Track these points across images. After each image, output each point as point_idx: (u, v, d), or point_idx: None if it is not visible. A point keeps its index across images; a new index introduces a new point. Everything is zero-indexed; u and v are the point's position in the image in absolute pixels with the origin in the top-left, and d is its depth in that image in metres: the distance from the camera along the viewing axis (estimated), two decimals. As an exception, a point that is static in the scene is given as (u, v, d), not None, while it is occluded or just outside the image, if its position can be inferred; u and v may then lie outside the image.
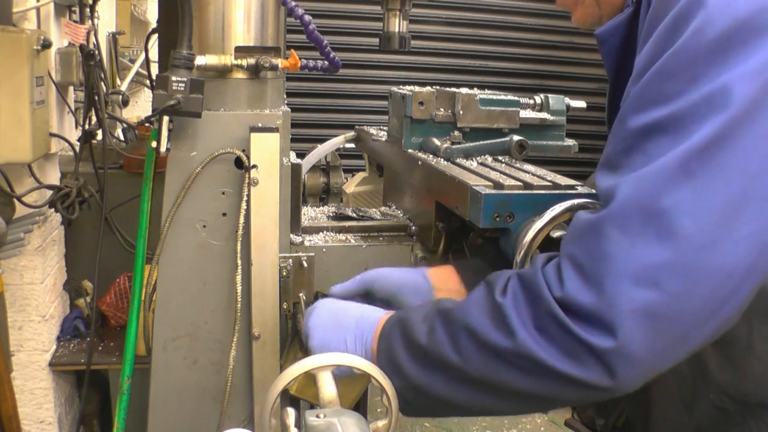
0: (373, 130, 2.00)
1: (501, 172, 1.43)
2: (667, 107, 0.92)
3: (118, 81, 3.44)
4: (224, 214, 1.52)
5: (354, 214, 1.78)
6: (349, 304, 1.28)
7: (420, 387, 1.05)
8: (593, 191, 1.25)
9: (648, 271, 0.88)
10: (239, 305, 1.50)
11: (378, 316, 1.20)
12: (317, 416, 1.07)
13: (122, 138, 3.36)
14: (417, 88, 1.66)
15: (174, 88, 1.39)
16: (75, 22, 2.54)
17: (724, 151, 0.88)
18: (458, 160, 1.55)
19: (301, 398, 1.38)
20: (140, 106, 4.54)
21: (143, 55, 2.72)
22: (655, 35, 0.96)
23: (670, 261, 0.87)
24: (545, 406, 1.04)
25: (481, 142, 1.60)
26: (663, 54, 0.93)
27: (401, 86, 1.77)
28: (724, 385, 1.07)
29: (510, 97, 1.64)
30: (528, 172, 1.45)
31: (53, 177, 2.55)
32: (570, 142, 1.68)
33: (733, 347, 1.07)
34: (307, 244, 1.59)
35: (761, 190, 0.88)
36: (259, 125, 1.48)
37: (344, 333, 1.20)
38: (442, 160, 1.55)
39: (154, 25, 2.47)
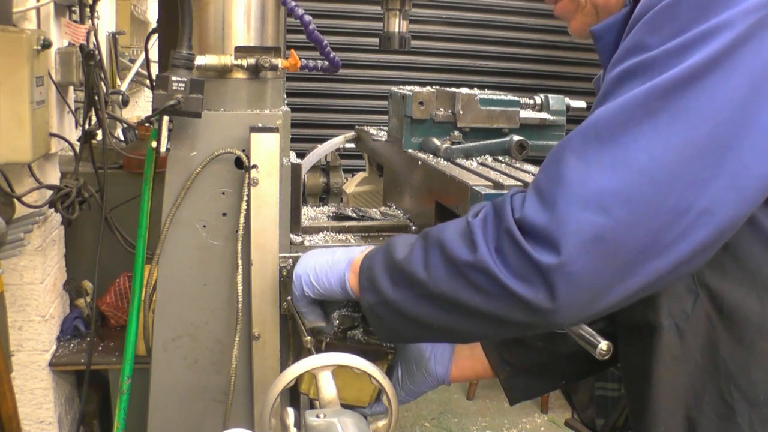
0: (373, 130, 2.00)
1: (501, 172, 1.43)
2: (645, 55, 0.95)
3: (118, 81, 3.44)
4: (224, 214, 1.52)
5: (354, 214, 1.78)
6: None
7: (390, 302, 1.10)
8: None
9: (599, 196, 0.91)
10: (239, 305, 1.50)
11: (367, 246, 1.28)
12: (317, 416, 1.07)
13: (122, 138, 3.36)
14: (417, 88, 1.66)
15: (174, 88, 1.39)
16: (75, 22, 2.54)
17: (691, 93, 0.90)
18: (458, 160, 1.55)
19: (313, 398, 1.39)
20: (140, 106, 4.54)
21: (143, 55, 2.72)
22: None
23: (621, 190, 0.90)
24: (499, 329, 1.06)
25: (481, 142, 1.60)
26: (650, 11, 0.96)
27: (401, 86, 1.77)
28: (734, 372, 1.08)
29: (510, 97, 1.64)
30: (528, 172, 1.45)
31: (53, 177, 2.55)
32: (570, 142, 1.68)
33: (744, 328, 1.07)
34: (307, 244, 1.59)
35: (729, 137, 0.90)
36: (259, 125, 1.48)
37: (333, 250, 1.28)
38: (442, 160, 1.55)
39: (154, 25, 2.47)
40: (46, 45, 2.16)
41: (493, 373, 1.51)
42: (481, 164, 1.53)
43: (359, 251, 1.25)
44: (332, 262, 1.26)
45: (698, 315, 1.09)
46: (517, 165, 1.54)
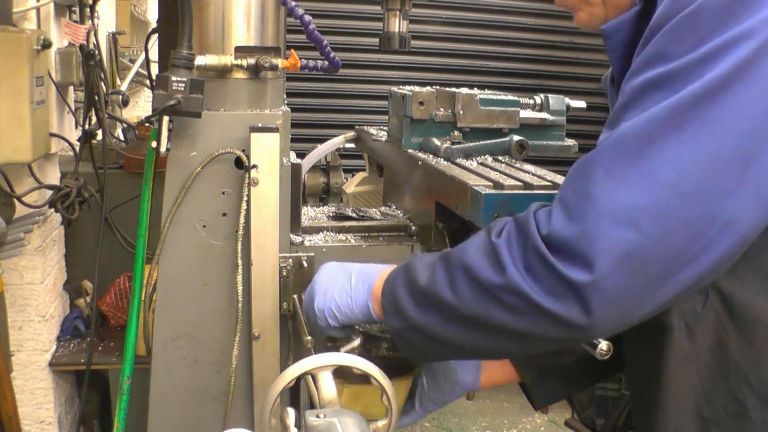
0: (373, 130, 2.00)
1: (501, 172, 1.43)
2: (668, 65, 0.95)
3: (118, 81, 3.44)
4: (224, 214, 1.52)
5: (354, 214, 1.78)
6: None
7: (418, 327, 1.10)
8: None
9: (628, 213, 0.91)
10: (239, 305, 1.50)
11: (383, 266, 1.26)
12: (317, 416, 1.07)
13: (122, 138, 3.36)
14: (417, 88, 1.66)
15: (174, 88, 1.39)
16: (75, 22, 2.54)
17: (715, 106, 0.90)
18: (458, 160, 1.55)
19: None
20: (140, 106, 4.54)
21: (143, 55, 2.72)
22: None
23: (649, 205, 0.91)
24: (532, 346, 1.07)
25: (481, 142, 1.60)
26: (672, 18, 0.96)
27: (401, 86, 1.77)
28: (745, 371, 1.09)
29: (510, 97, 1.64)
30: (528, 172, 1.45)
31: (53, 177, 2.55)
32: (570, 142, 1.68)
33: (754, 328, 1.08)
34: (307, 244, 1.59)
35: (753, 147, 0.90)
36: (259, 125, 1.48)
37: (348, 273, 1.26)
38: (442, 160, 1.55)
39: (154, 25, 2.47)
40: (46, 45, 2.16)
41: (519, 376, 1.51)
42: (481, 164, 1.53)
43: (377, 276, 1.23)
44: (352, 290, 1.24)
45: (708, 315, 1.10)
46: (517, 165, 1.54)
